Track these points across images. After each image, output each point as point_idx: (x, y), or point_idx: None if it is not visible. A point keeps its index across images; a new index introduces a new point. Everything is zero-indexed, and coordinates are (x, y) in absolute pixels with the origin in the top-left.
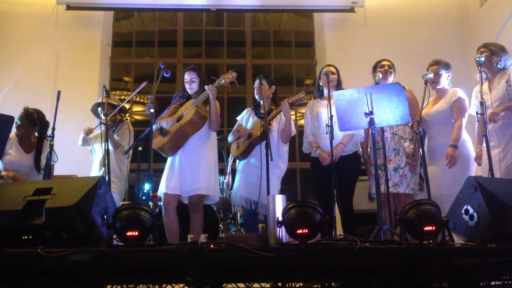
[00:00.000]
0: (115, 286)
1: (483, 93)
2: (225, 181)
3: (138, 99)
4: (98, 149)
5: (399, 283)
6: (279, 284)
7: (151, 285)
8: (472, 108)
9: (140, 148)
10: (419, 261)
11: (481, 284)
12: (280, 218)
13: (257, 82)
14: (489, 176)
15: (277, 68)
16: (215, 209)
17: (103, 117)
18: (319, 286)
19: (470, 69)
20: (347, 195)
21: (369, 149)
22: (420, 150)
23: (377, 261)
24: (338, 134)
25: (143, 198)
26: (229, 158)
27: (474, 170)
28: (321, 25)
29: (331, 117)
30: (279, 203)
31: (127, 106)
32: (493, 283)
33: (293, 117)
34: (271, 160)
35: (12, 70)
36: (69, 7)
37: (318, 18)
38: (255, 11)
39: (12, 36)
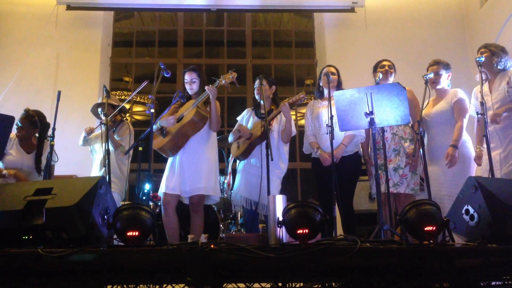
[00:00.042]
0: (115, 286)
1: (483, 94)
2: (225, 181)
3: (138, 99)
4: (98, 149)
5: (400, 283)
6: (280, 284)
7: (151, 285)
8: (471, 109)
9: (140, 148)
10: (420, 261)
11: (482, 284)
12: (281, 218)
13: (257, 82)
14: (490, 176)
15: (278, 68)
16: (216, 209)
17: (103, 118)
18: (320, 286)
19: (471, 69)
20: (348, 195)
21: (369, 149)
22: (421, 150)
23: (378, 261)
24: (339, 135)
25: (144, 198)
26: (230, 158)
27: (474, 170)
28: (321, 25)
29: (332, 117)
30: (279, 203)
31: (128, 106)
32: (493, 283)
33: (293, 117)
34: (272, 160)
35: (13, 70)
36: (69, 7)
37: (319, 18)
38: (255, 11)
39: (13, 36)
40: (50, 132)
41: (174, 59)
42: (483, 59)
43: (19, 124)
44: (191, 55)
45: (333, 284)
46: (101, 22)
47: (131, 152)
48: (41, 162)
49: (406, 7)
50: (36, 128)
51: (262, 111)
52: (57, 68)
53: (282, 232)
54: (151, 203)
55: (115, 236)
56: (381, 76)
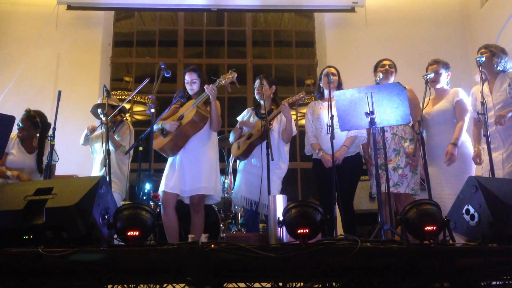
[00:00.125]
0: (116, 285)
1: (483, 94)
2: (226, 181)
3: (138, 99)
4: (99, 149)
5: (400, 283)
6: (280, 284)
7: (152, 285)
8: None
9: (141, 148)
10: (420, 261)
11: (482, 284)
12: (281, 218)
13: (257, 82)
14: (490, 176)
15: (278, 68)
16: (216, 209)
17: (103, 118)
18: (320, 286)
19: (471, 69)
20: (348, 195)
21: (369, 149)
22: (421, 150)
23: (378, 261)
24: (341, 136)
25: (144, 198)
26: (230, 158)
27: (474, 170)
28: (321, 25)
29: (332, 117)
30: (279, 203)
31: (128, 106)
32: (494, 283)
33: (293, 117)
34: (272, 160)
35: (13, 70)
36: (69, 7)
37: (319, 18)
38: (255, 11)
39: (13, 36)
40: (50, 132)
41: (175, 59)
42: (483, 59)
43: (21, 125)
44: (191, 55)
45: (334, 284)
46: (101, 22)
47: (131, 152)
48: (43, 162)
49: (406, 7)
50: (37, 129)
51: (263, 111)
52: (57, 68)
53: (282, 232)
54: (151, 203)
55: (115, 236)
56: (381, 76)
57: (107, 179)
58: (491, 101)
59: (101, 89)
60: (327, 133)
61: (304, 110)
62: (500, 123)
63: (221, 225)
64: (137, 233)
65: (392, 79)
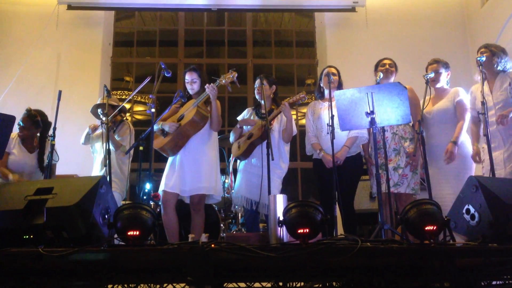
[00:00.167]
0: (116, 285)
1: (484, 93)
2: (226, 180)
3: (139, 98)
4: (99, 149)
5: (400, 283)
6: (280, 283)
7: (152, 285)
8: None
9: (141, 148)
10: (420, 261)
11: (482, 283)
12: (281, 218)
13: (257, 82)
14: (491, 176)
15: (278, 68)
16: (216, 208)
17: (103, 118)
18: (320, 285)
19: (471, 69)
20: (349, 195)
21: (370, 149)
22: (421, 149)
23: (378, 261)
24: (342, 136)
25: (144, 197)
26: (230, 157)
27: (474, 169)
28: (322, 24)
29: (332, 116)
30: (280, 203)
31: (128, 105)
32: (494, 282)
33: (294, 116)
34: (272, 159)
35: (13, 70)
36: (70, 7)
37: (319, 17)
38: (256, 10)
39: (13, 36)
40: (51, 132)
41: (175, 58)
42: (484, 58)
43: (21, 124)
44: (191, 55)
45: (334, 283)
46: (102, 21)
47: (131, 151)
48: (44, 161)
49: (407, 6)
50: (38, 128)
51: (263, 111)
52: (58, 68)
53: (282, 232)
54: (151, 203)
55: (115, 236)
56: (381, 75)
57: (108, 179)
58: (491, 100)
59: (102, 89)
60: (328, 133)
61: (304, 110)
62: (502, 122)
63: (221, 225)
64: (137, 232)
65: (392, 79)
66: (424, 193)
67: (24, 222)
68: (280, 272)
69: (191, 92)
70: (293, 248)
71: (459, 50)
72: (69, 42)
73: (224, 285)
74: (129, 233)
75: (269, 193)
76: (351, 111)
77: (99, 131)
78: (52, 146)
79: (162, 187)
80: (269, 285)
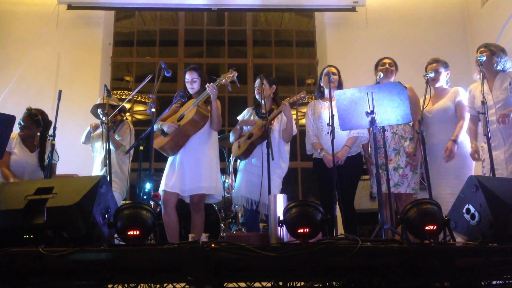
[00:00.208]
0: (116, 285)
1: (484, 93)
2: (226, 180)
3: (139, 98)
4: (99, 148)
5: (400, 283)
6: (280, 283)
7: (152, 284)
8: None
9: (141, 148)
10: (420, 261)
11: (482, 283)
12: (281, 218)
13: (257, 81)
14: (491, 175)
15: (278, 68)
16: (216, 208)
17: (103, 118)
18: (320, 285)
19: (471, 69)
20: (349, 195)
21: (369, 148)
22: (421, 149)
23: (378, 261)
24: (342, 136)
25: (144, 197)
26: (230, 157)
27: (473, 169)
28: (322, 24)
29: (332, 116)
30: (280, 203)
31: (128, 105)
32: (494, 282)
33: (294, 116)
34: (273, 159)
35: (13, 70)
36: (70, 7)
37: (319, 17)
38: (256, 10)
39: (13, 35)
40: (51, 132)
41: (175, 58)
42: (484, 58)
43: (22, 123)
44: (192, 55)
45: (334, 283)
46: (102, 21)
47: (132, 151)
48: (45, 160)
49: (407, 6)
50: (39, 127)
51: (263, 111)
52: (58, 68)
53: (283, 231)
54: (152, 202)
55: (116, 236)
56: (381, 75)
57: (108, 179)
58: (491, 99)
59: (102, 89)
60: (328, 133)
61: (304, 110)
62: (503, 121)
63: (222, 225)
64: (138, 232)
65: (392, 78)
66: (423, 192)
67: (24, 222)
68: (280, 271)
69: (191, 91)
70: (293, 247)
71: (459, 50)
72: (69, 42)
73: (224, 284)
74: (129, 233)
75: (269, 192)
76: (351, 110)
77: (99, 130)
78: (52, 146)
79: (162, 187)
80: (269, 284)
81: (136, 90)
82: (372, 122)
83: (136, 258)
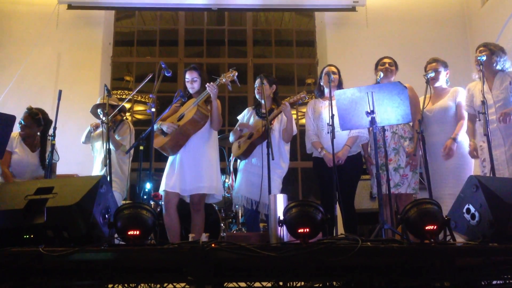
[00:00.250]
0: (116, 285)
1: (484, 92)
2: (227, 180)
3: (139, 98)
4: (99, 148)
5: (401, 282)
6: (281, 283)
7: (152, 284)
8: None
9: (141, 147)
10: (421, 260)
11: (483, 283)
12: (282, 217)
13: (257, 81)
14: (491, 175)
15: (279, 67)
16: (217, 208)
17: (103, 118)
18: (321, 285)
19: (472, 68)
20: (349, 194)
21: (369, 148)
22: (422, 149)
23: (379, 260)
24: (342, 135)
25: (145, 197)
26: (231, 157)
27: (473, 168)
28: (322, 24)
29: (333, 116)
30: (280, 202)
31: (128, 105)
32: (494, 282)
33: (294, 116)
34: (273, 159)
35: (14, 70)
36: (70, 7)
37: (320, 17)
38: (256, 10)
39: (13, 35)
40: (51, 131)
41: (175, 58)
42: (485, 58)
43: (23, 122)
44: (192, 54)
45: (334, 283)
46: (102, 21)
47: (132, 151)
48: (46, 159)
49: (407, 6)
50: (40, 126)
51: (263, 111)
52: (58, 68)
53: (283, 231)
54: (152, 202)
55: (116, 235)
56: (382, 75)
57: (108, 179)
58: (490, 98)
59: (102, 89)
60: (328, 133)
61: (304, 110)
62: (505, 120)
63: (222, 225)
64: (138, 232)
65: (393, 78)
66: (423, 192)
67: (25, 222)
68: (281, 271)
69: (191, 91)
70: (294, 247)
71: (459, 50)
72: (69, 41)
73: (225, 284)
74: (129, 233)
75: (270, 192)
76: (351, 110)
77: (99, 130)
78: (53, 145)
79: (162, 187)
80: (269, 284)
81: (136, 90)
82: (372, 122)
83: (136, 258)
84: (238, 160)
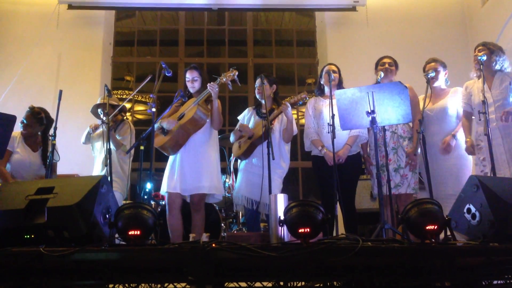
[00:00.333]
0: (117, 285)
1: (484, 91)
2: (227, 180)
3: (139, 98)
4: (100, 148)
5: (401, 282)
6: (281, 283)
7: (153, 284)
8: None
9: (142, 147)
10: (421, 260)
11: (483, 283)
12: (282, 217)
13: (258, 81)
14: (492, 175)
15: (279, 67)
16: (217, 208)
17: (104, 118)
18: (321, 285)
19: (472, 68)
20: (350, 194)
21: (368, 148)
22: (422, 149)
23: (379, 260)
24: (343, 135)
25: (145, 197)
26: (231, 157)
27: (472, 168)
28: (322, 24)
29: (333, 116)
30: (280, 202)
31: (129, 105)
32: (495, 282)
33: (294, 116)
34: (273, 159)
35: (14, 70)
36: (70, 7)
37: (320, 17)
38: (256, 10)
39: (14, 35)
40: (51, 131)
41: (176, 58)
42: (485, 58)
43: (25, 122)
44: (192, 54)
45: (335, 283)
46: (102, 21)
47: (132, 151)
48: (48, 158)
49: (407, 6)
50: (41, 125)
51: (263, 111)
52: (58, 68)
53: (283, 231)
54: (152, 202)
55: (116, 235)
56: (382, 75)
57: (108, 179)
58: (490, 97)
59: (102, 89)
60: (328, 132)
61: (305, 109)
62: (506, 119)
63: (222, 225)
64: (138, 232)
65: (393, 77)
66: (423, 192)
67: (25, 222)
68: (281, 271)
69: (192, 90)
70: (294, 247)
71: (460, 50)
72: (70, 41)
73: (225, 284)
74: (130, 233)
75: (270, 192)
76: (351, 110)
77: (99, 130)
78: (53, 145)
79: (165, 189)
80: (270, 284)
81: (137, 90)
82: (373, 121)
83: (137, 258)
84: (239, 160)
